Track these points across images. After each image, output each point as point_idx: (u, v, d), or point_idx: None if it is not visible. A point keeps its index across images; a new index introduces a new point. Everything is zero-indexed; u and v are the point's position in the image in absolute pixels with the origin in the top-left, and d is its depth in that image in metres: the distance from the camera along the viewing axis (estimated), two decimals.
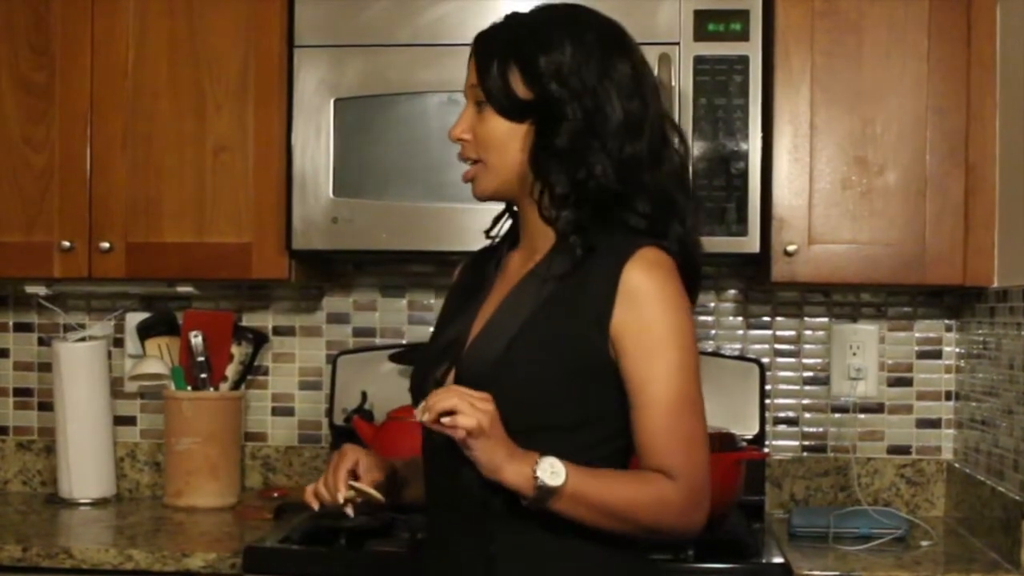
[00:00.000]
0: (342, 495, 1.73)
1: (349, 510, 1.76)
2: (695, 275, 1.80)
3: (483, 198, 1.82)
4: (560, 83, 1.72)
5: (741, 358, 2.90)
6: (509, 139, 1.75)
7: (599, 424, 1.72)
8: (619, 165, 1.72)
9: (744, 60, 2.54)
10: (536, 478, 1.61)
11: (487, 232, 1.91)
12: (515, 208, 1.86)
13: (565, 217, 1.74)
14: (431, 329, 2.95)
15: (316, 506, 1.77)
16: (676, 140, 1.79)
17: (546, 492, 1.61)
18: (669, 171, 1.77)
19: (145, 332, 2.97)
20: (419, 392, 1.81)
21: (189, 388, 2.89)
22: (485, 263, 1.90)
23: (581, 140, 1.71)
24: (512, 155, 1.75)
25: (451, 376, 1.76)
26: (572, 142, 1.71)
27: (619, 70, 1.74)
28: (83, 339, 2.95)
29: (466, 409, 1.59)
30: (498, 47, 1.76)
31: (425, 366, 1.82)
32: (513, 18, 1.80)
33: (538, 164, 1.73)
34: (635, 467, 1.73)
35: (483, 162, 1.78)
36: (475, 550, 1.71)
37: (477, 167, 1.79)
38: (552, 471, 1.61)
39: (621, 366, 1.70)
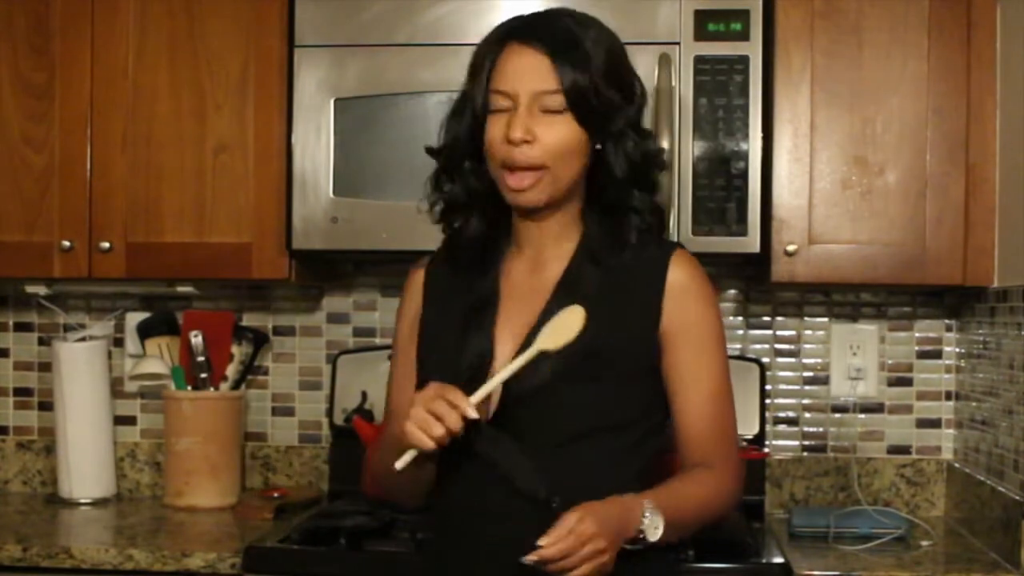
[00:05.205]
0: (472, 411, 1.64)
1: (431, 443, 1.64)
2: None
3: (534, 208, 1.79)
4: (623, 89, 1.79)
5: (741, 358, 2.90)
6: (580, 147, 1.76)
7: (641, 422, 1.79)
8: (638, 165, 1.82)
9: (744, 60, 2.54)
10: (643, 540, 1.68)
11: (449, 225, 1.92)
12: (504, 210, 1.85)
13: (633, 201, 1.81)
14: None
15: (432, 444, 1.64)
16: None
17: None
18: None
19: (145, 332, 2.97)
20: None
21: (189, 388, 2.89)
22: (471, 269, 1.86)
23: (639, 147, 1.81)
24: (578, 163, 1.77)
25: (494, 401, 1.74)
26: (634, 148, 1.80)
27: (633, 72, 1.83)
28: (83, 339, 2.95)
29: (584, 566, 1.61)
30: (580, 56, 1.74)
31: (450, 383, 1.71)
32: (574, 24, 1.78)
33: (614, 170, 1.78)
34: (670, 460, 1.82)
35: (548, 169, 1.75)
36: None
37: (540, 175, 1.75)
38: (655, 527, 1.68)
39: (667, 361, 1.78)
